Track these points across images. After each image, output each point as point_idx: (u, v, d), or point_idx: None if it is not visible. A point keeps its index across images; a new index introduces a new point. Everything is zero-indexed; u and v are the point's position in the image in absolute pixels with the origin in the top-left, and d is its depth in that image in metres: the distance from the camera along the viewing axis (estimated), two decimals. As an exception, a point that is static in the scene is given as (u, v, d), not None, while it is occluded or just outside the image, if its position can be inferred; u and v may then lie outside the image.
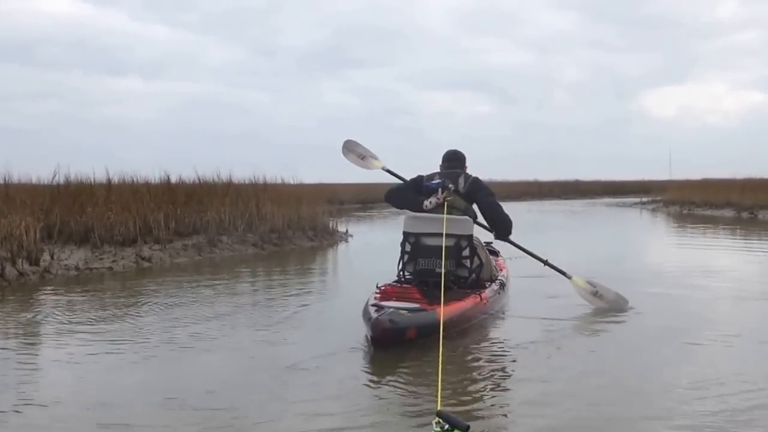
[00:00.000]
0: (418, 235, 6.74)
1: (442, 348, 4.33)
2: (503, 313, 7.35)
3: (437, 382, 3.79)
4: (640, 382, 4.97)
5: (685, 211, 29.68)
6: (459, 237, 6.66)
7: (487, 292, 6.87)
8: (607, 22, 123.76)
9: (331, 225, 17.25)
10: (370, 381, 4.98)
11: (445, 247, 6.49)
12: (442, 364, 4.05)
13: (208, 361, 5.60)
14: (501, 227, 7.15)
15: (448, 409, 3.59)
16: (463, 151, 7.30)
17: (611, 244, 17.00)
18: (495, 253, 8.54)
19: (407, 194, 7.07)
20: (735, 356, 5.72)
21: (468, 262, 6.74)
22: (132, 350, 5.91)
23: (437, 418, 2.94)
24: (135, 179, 14.85)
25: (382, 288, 6.67)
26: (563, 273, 7.69)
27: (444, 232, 6.46)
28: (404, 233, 6.83)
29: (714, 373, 5.10)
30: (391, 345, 5.52)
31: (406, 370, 5.17)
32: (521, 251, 7.63)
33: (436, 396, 3.62)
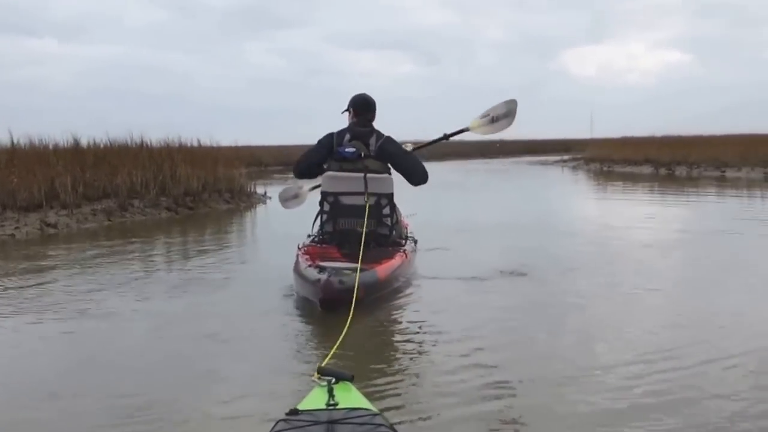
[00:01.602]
0: (336, 195, 6.60)
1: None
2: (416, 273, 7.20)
3: (337, 342, 3.75)
4: (552, 338, 4.92)
5: (605, 168, 30.14)
6: (380, 195, 6.56)
7: (408, 250, 6.75)
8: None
9: (248, 187, 16.89)
10: (290, 347, 4.82)
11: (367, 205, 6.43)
12: (350, 324, 4.06)
13: (125, 333, 5.30)
14: (418, 175, 6.88)
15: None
16: (375, 100, 6.93)
17: (535, 200, 17.02)
18: None
19: (317, 167, 6.84)
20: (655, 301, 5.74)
21: (388, 221, 6.67)
22: (39, 324, 5.55)
23: (317, 375, 2.91)
24: (42, 142, 14.24)
25: (303, 249, 6.51)
26: (462, 130, 7.55)
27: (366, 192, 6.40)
28: (322, 192, 6.68)
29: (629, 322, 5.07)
30: (341, 306, 5.27)
31: (322, 333, 5.07)
32: (428, 146, 7.60)
33: (328, 357, 3.55)
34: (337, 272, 5.59)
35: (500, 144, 58.68)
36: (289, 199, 8.28)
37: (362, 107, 6.83)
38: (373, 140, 6.67)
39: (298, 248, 6.57)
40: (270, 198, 17.05)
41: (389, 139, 6.78)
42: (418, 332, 5.18)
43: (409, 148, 7.04)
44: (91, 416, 3.65)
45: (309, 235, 7.06)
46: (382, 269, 5.96)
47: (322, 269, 5.69)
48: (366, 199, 6.43)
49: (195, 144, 16.63)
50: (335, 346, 3.64)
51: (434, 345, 4.79)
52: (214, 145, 17.34)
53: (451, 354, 4.50)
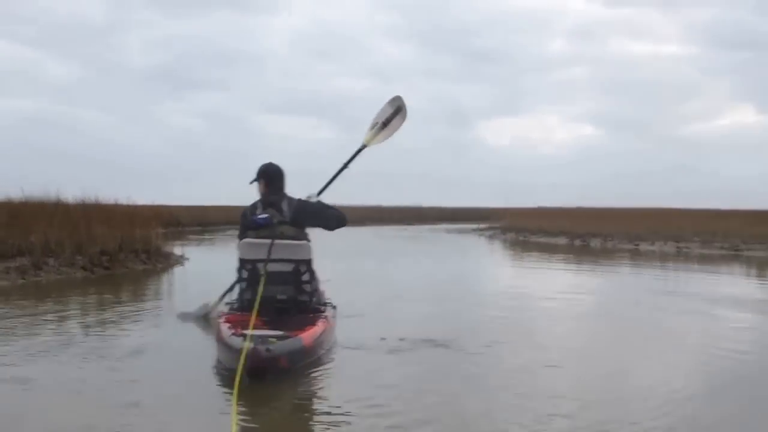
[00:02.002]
0: (254, 262, 6.56)
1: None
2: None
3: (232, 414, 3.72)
4: (476, 412, 4.94)
5: (521, 238, 30.70)
6: (298, 262, 6.57)
7: (329, 315, 6.70)
8: (444, 53, 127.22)
9: (166, 248, 16.68)
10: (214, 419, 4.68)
11: (285, 272, 6.44)
12: (236, 396, 4.05)
13: (40, 403, 5.04)
14: (335, 220, 6.86)
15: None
16: (281, 166, 6.98)
17: (452, 269, 17.24)
18: None
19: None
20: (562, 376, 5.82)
21: (308, 287, 6.65)
22: None
23: None
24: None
25: (226, 317, 6.40)
26: (359, 150, 7.51)
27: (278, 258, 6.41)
28: (240, 260, 6.64)
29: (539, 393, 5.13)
30: (267, 375, 5.27)
31: (250, 403, 4.93)
32: (331, 182, 7.38)
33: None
34: (263, 340, 5.40)
35: (419, 211, 59.58)
36: (190, 318, 8.10)
37: (271, 177, 6.86)
38: (285, 205, 6.70)
39: (218, 316, 6.49)
40: (187, 259, 16.89)
41: (300, 201, 6.81)
42: (343, 406, 5.09)
43: (314, 199, 6.98)
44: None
45: (227, 303, 7.05)
46: (307, 336, 5.84)
47: (243, 336, 5.51)
48: (264, 266, 6.40)
49: (112, 202, 16.41)
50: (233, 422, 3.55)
51: (361, 419, 4.74)
52: (131, 203, 17.13)
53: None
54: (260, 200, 6.81)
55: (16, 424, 4.59)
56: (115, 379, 5.61)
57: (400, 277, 14.05)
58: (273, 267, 6.48)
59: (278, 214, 6.65)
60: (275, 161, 6.98)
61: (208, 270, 14.92)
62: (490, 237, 33.88)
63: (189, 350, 6.64)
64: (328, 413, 4.90)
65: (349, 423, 4.63)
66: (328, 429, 4.58)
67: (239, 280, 6.70)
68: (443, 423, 4.65)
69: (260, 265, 6.50)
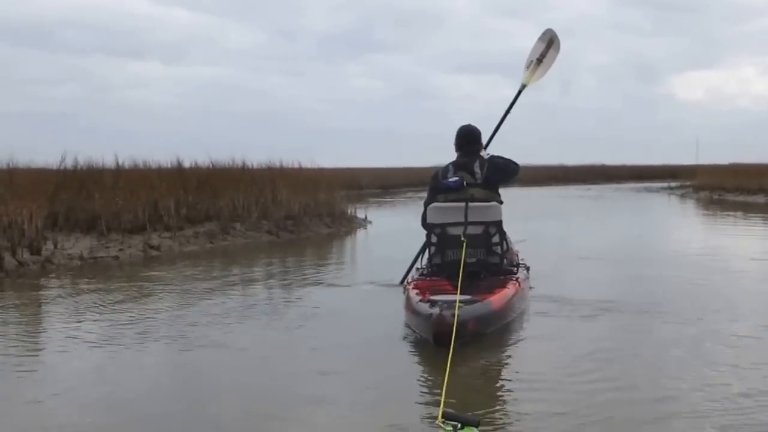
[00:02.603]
0: (444, 226, 6.44)
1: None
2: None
3: (443, 383, 3.51)
4: (658, 378, 4.57)
5: (715, 197, 28.86)
6: (487, 224, 6.42)
7: (521, 278, 6.51)
8: (634, 6, 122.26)
9: (349, 211, 16.67)
10: (397, 384, 4.62)
11: (474, 235, 6.29)
12: (450, 363, 3.75)
13: (230, 365, 5.08)
14: (514, 173, 6.76)
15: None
16: (478, 127, 6.88)
17: (642, 229, 16.14)
18: None
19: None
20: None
21: (498, 249, 6.49)
22: (139, 348, 5.45)
23: (443, 420, 2.76)
24: (146, 164, 14.35)
25: (413, 283, 6.32)
26: (519, 92, 7.54)
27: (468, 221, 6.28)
28: (429, 225, 6.55)
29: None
30: (450, 340, 5.09)
31: (430, 370, 4.87)
32: (497, 131, 7.45)
33: (441, 398, 3.33)
34: (449, 306, 5.26)
35: (603, 170, 57.61)
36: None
37: (464, 139, 6.75)
38: (477, 167, 6.56)
39: (407, 282, 6.45)
40: (370, 222, 16.89)
41: (491, 159, 6.65)
42: (538, 373, 4.78)
43: (485, 155, 6.79)
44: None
45: (417, 269, 6.97)
46: (496, 300, 5.68)
47: (433, 303, 5.41)
48: (464, 230, 6.27)
49: (296, 166, 16.54)
50: (444, 387, 3.41)
51: (557, 387, 4.39)
52: (315, 167, 17.25)
53: (573, 398, 4.18)
54: (452, 162, 6.69)
55: (213, 386, 4.63)
56: (301, 345, 5.57)
57: (588, 238, 13.34)
58: (460, 230, 6.32)
59: (470, 177, 6.51)
60: (468, 123, 6.83)
61: (391, 233, 14.87)
62: (682, 196, 32.17)
63: (378, 316, 6.49)
64: (522, 380, 4.64)
65: (540, 390, 4.35)
66: (523, 398, 4.26)
67: (428, 244, 6.60)
68: (643, 392, 4.29)
69: (450, 229, 6.39)
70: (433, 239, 6.51)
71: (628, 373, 4.65)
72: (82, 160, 13.54)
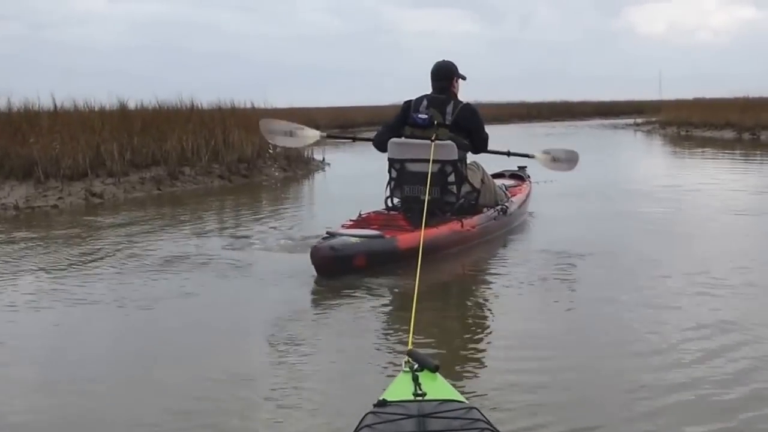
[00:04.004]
0: (402, 161, 6.60)
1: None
2: (504, 244, 7.05)
3: (411, 317, 3.37)
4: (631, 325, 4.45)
5: (683, 133, 28.47)
6: (443, 162, 6.47)
7: (474, 219, 6.71)
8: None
9: (305, 153, 15.97)
10: (353, 321, 4.72)
11: (431, 173, 6.26)
12: (417, 297, 3.61)
13: (175, 319, 4.90)
14: (482, 144, 6.88)
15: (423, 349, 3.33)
16: (451, 63, 6.83)
17: (612, 167, 15.72)
18: (521, 177, 8.74)
19: (391, 135, 6.74)
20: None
21: (454, 188, 6.59)
22: (84, 305, 5.09)
23: (407, 358, 2.70)
24: (87, 105, 13.49)
25: (364, 216, 6.49)
26: (527, 155, 7.71)
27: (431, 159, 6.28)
28: (389, 159, 6.70)
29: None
30: (334, 272, 5.59)
31: (387, 305, 5.08)
32: (494, 153, 7.33)
33: (409, 333, 3.23)
34: (335, 239, 5.73)
35: (567, 106, 57.01)
36: (277, 133, 7.73)
37: (436, 75, 6.76)
38: (449, 108, 6.59)
39: (358, 215, 6.49)
40: (328, 164, 16.35)
41: (467, 107, 6.69)
42: (493, 313, 4.97)
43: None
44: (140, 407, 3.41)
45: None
46: (405, 238, 5.86)
47: (330, 236, 5.82)
48: (429, 169, 6.24)
49: (248, 107, 15.74)
50: (411, 327, 3.23)
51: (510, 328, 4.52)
52: (269, 107, 16.38)
53: (531, 342, 4.19)
54: (427, 96, 6.69)
55: (157, 338, 4.59)
56: (256, 295, 5.44)
57: (565, 180, 12.82)
58: (418, 167, 6.44)
59: (440, 116, 6.53)
60: (443, 59, 6.83)
61: (351, 175, 14.39)
62: (648, 132, 31.82)
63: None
64: (477, 322, 4.73)
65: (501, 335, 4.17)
66: (480, 340, 4.17)
67: (390, 179, 6.72)
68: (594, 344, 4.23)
69: (409, 165, 6.55)
70: (393, 174, 6.66)
71: (587, 317, 4.69)
72: (17, 102, 12.63)
